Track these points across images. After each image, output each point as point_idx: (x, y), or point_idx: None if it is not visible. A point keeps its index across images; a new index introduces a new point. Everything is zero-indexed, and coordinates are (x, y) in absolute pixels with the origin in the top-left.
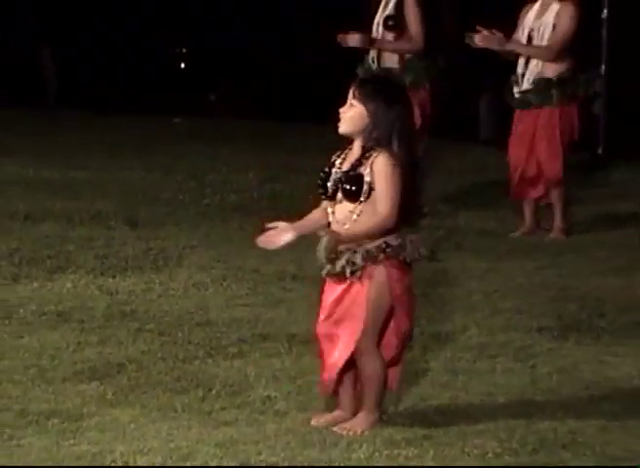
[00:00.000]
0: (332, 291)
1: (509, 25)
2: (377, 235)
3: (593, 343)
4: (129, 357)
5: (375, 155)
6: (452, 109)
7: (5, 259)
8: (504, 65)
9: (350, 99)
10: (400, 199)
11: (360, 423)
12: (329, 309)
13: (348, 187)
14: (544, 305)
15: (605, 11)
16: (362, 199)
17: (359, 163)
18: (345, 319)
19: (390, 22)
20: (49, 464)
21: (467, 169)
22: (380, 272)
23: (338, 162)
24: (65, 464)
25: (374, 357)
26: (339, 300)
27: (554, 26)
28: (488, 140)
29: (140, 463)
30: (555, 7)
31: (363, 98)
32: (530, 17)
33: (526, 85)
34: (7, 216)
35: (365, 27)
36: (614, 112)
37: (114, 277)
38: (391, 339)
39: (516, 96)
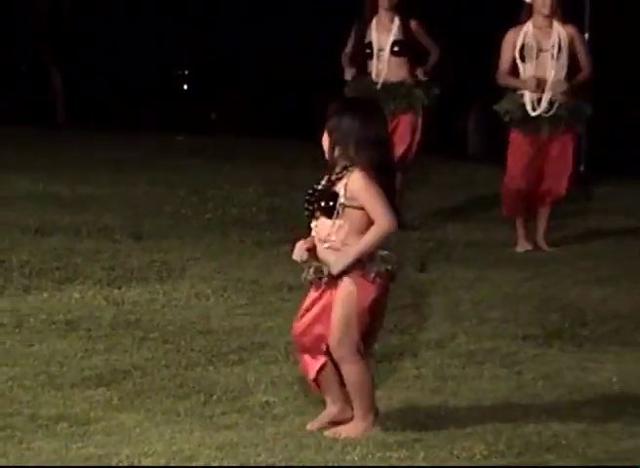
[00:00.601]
0: (311, 296)
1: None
2: (384, 242)
3: (575, 351)
4: (134, 364)
5: (348, 175)
6: (441, 126)
7: (16, 271)
8: (491, 84)
9: None
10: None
11: (352, 430)
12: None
13: (323, 204)
14: (529, 314)
15: (586, 34)
16: (334, 217)
17: (332, 183)
18: (317, 322)
19: (396, 48)
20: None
21: (456, 184)
22: (348, 283)
23: (324, 181)
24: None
25: (355, 364)
26: (312, 305)
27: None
28: (476, 156)
29: (144, 464)
30: (559, 28)
31: (327, 120)
32: (529, 36)
33: (542, 110)
34: (18, 230)
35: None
36: (595, 132)
37: (120, 288)
38: None
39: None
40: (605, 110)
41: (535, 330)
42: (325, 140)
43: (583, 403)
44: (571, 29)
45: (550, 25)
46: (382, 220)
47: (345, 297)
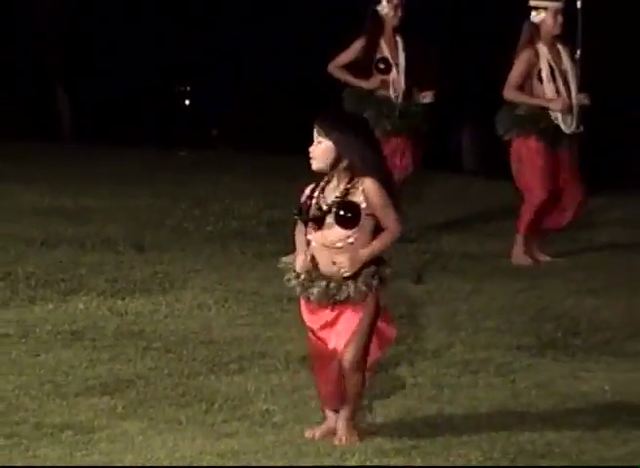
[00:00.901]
0: (320, 315)
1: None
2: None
3: (568, 360)
4: (137, 373)
5: (361, 182)
6: (437, 142)
7: (22, 282)
8: (485, 100)
9: (316, 137)
10: None
11: (345, 431)
12: (322, 332)
13: (343, 214)
14: (524, 324)
15: (579, 51)
16: (356, 227)
17: (346, 192)
18: (340, 337)
19: (409, 63)
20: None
21: (451, 197)
22: (371, 296)
23: (317, 192)
24: None
25: (363, 374)
26: (333, 323)
27: None
28: (471, 171)
29: None
30: (563, 48)
31: (328, 133)
32: (547, 57)
33: (574, 127)
34: (24, 242)
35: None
36: (593, 144)
37: (123, 299)
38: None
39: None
40: (603, 121)
41: (529, 339)
42: (316, 148)
43: (576, 411)
44: (569, 48)
45: (556, 45)
46: (396, 226)
47: (371, 310)
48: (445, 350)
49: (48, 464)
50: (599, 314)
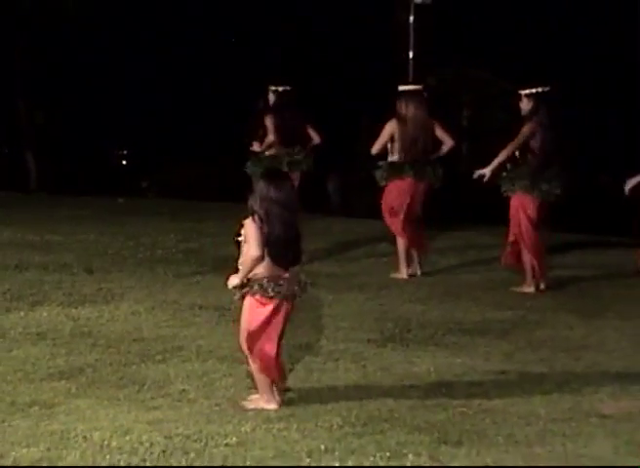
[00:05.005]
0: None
1: None
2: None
3: (404, 349)
4: (87, 363)
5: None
6: (306, 187)
7: (0, 297)
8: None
9: None
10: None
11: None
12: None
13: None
14: (371, 324)
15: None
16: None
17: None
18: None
19: None
20: (31, 440)
21: (319, 232)
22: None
23: None
24: (42, 439)
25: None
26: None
27: None
28: (335, 211)
29: (94, 437)
30: None
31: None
32: None
33: None
34: (1, 267)
35: None
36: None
37: (76, 308)
38: None
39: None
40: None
41: (375, 335)
42: None
43: (410, 387)
44: None
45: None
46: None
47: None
48: (314, 343)
49: (20, 432)
50: (425, 316)
